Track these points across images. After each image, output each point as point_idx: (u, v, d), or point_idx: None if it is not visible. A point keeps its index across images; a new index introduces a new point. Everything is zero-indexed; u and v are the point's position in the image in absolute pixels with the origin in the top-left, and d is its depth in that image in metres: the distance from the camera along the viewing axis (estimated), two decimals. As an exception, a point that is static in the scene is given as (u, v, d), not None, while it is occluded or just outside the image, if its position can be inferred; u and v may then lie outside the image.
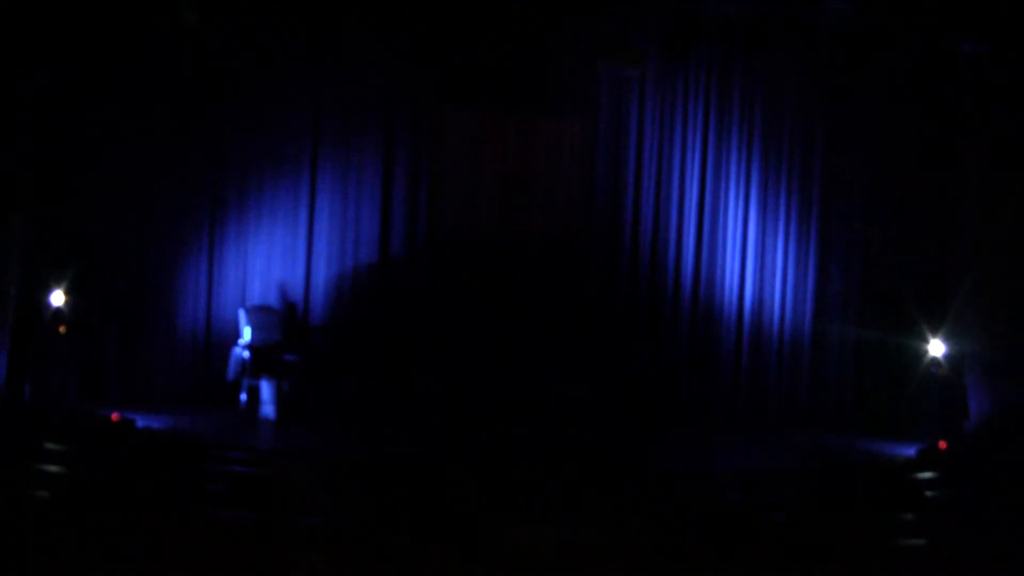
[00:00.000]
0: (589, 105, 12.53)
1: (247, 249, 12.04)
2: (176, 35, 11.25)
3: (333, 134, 12.15)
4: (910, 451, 11.10)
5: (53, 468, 7.74)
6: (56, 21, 10.71)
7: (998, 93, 11.94)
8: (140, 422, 10.06)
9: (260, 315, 11.63)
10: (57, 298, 10.76)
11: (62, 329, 10.71)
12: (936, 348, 12.14)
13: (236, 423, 10.85)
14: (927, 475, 9.80)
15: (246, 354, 11.35)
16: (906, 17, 11.44)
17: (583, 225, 12.58)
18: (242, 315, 11.60)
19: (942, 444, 11.12)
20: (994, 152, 12.09)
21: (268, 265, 12.10)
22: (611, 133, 12.57)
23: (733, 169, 12.67)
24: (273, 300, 12.02)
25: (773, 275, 12.70)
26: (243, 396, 11.27)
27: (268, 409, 10.93)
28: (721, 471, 10.00)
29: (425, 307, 12.19)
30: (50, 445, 8.44)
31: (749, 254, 12.66)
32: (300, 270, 12.15)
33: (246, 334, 11.42)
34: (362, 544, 6.01)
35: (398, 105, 12.23)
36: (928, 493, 9.12)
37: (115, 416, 10.02)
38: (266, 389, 10.97)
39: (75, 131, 11.25)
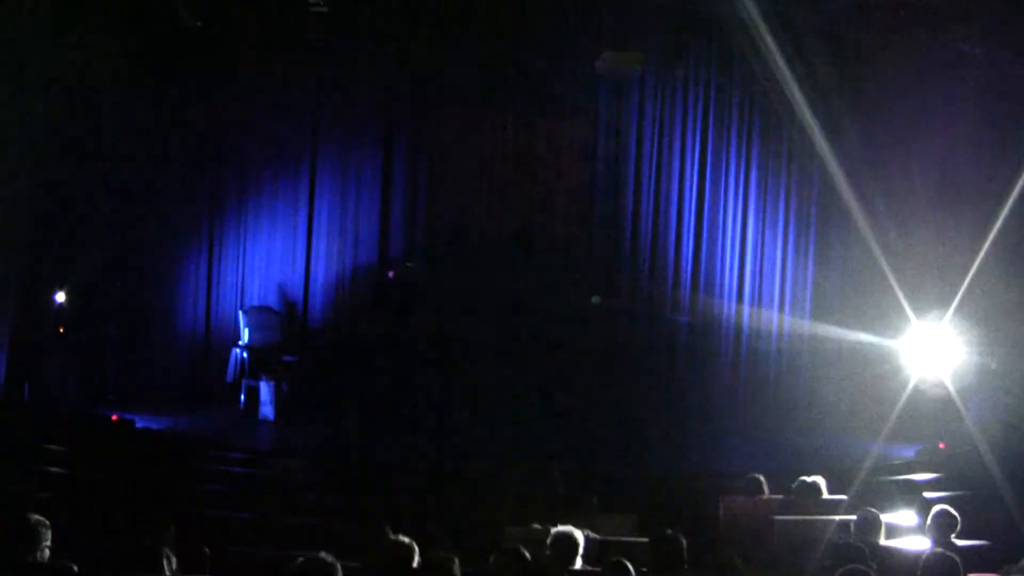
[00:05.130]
0: (589, 105, 12.55)
1: (247, 249, 12.05)
2: (177, 35, 11.25)
3: (333, 134, 12.15)
4: (909, 452, 11.11)
5: (53, 468, 7.73)
6: (55, 21, 10.71)
7: (997, 93, 11.95)
8: (139, 422, 10.06)
9: (259, 316, 11.63)
10: (57, 298, 10.75)
11: (61, 329, 10.70)
12: (935, 349, 12.14)
13: (235, 423, 10.85)
14: (926, 476, 9.80)
15: (245, 355, 11.35)
16: (906, 17, 11.45)
17: (583, 226, 12.59)
18: (241, 316, 11.60)
19: (941, 445, 11.13)
20: (994, 153, 12.10)
21: (267, 266, 12.11)
22: (611, 133, 12.58)
23: (732, 169, 12.68)
24: (272, 301, 12.02)
25: (772, 276, 12.72)
26: (242, 397, 11.26)
27: (267, 410, 10.93)
28: (721, 473, 10.00)
29: (424, 307, 12.19)
30: (50, 445, 8.43)
31: (748, 254, 12.68)
32: (299, 271, 12.15)
33: (245, 335, 11.42)
34: (362, 545, 6.00)
35: (398, 105, 12.24)
36: (927, 494, 9.12)
37: (114, 416, 10.02)
38: (265, 390, 10.96)
39: (75, 130, 11.24)
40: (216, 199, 11.96)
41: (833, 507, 7.39)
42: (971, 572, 5.40)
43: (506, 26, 11.82)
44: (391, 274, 12.13)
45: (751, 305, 12.69)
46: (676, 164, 12.65)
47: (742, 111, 12.70)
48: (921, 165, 12.79)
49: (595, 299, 12.28)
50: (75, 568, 4.39)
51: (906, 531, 6.68)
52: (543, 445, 10.72)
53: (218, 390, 11.58)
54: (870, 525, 6.16)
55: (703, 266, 12.66)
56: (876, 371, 12.74)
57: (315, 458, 9.31)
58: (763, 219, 12.75)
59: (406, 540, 4.60)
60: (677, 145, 12.66)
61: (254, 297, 12.04)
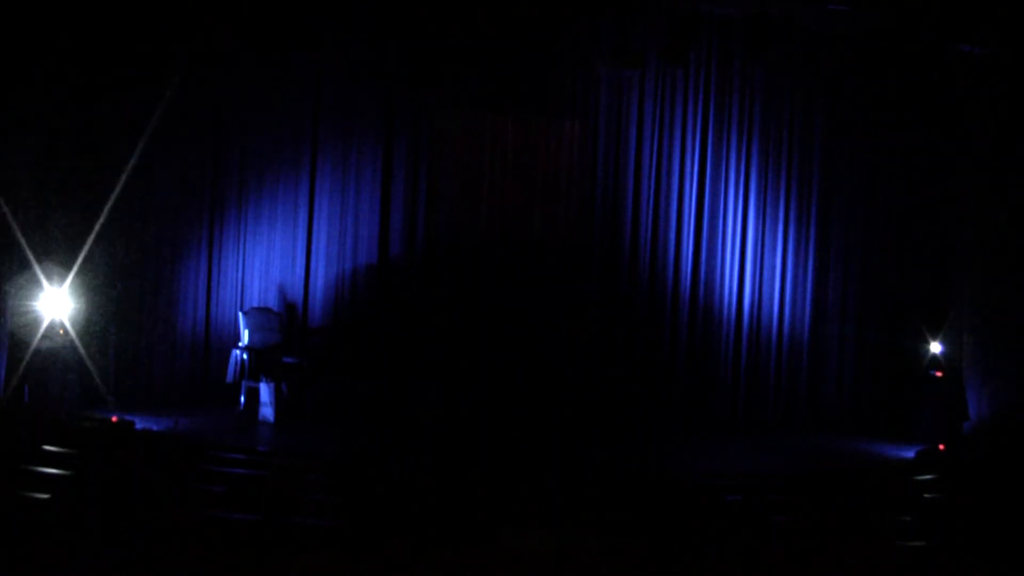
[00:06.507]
0: (589, 105, 12.53)
1: (246, 250, 12.04)
2: (176, 35, 11.25)
3: (333, 134, 12.14)
4: (909, 453, 11.11)
5: (53, 470, 7.73)
6: (55, 21, 10.71)
7: (997, 93, 11.95)
8: (139, 423, 10.06)
9: (259, 317, 11.63)
10: (57, 299, 10.73)
11: (61, 331, 10.69)
12: (935, 350, 12.16)
13: (235, 425, 10.84)
14: (926, 477, 9.81)
15: (245, 356, 11.34)
16: (906, 17, 11.45)
17: (583, 226, 12.58)
18: (241, 317, 11.60)
19: (941, 446, 11.14)
20: (993, 152, 12.11)
21: (267, 266, 12.10)
22: (611, 133, 12.57)
23: (732, 169, 12.67)
24: (272, 302, 12.01)
25: (772, 276, 12.71)
26: (242, 398, 11.26)
27: (267, 411, 10.93)
28: (721, 473, 10.00)
29: (424, 308, 12.19)
30: (50, 447, 8.43)
31: (748, 255, 12.67)
32: (299, 272, 12.14)
33: (245, 336, 11.42)
34: (362, 545, 6.00)
35: (398, 105, 12.23)
36: (927, 495, 9.13)
37: (114, 418, 10.01)
38: (265, 391, 10.96)
39: (75, 131, 11.24)
40: (216, 199, 11.95)
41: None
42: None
43: (506, 26, 11.80)
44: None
45: (751, 304, 12.68)
46: (676, 164, 12.64)
47: (742, 111, 12.69)
48: (923, 163, 12.83)
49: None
50: None
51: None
52: (541, 445, 10.72)
53: (218, 391, 11.57)
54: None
55: (703, 266, 12.65)
56: (876, 368, 12.77)
57: (316, 460, 9.31)
58: (763, 219, 12.74)
59: None
60: (677, 145, 12.65)
61: (254, 298, 12.03)
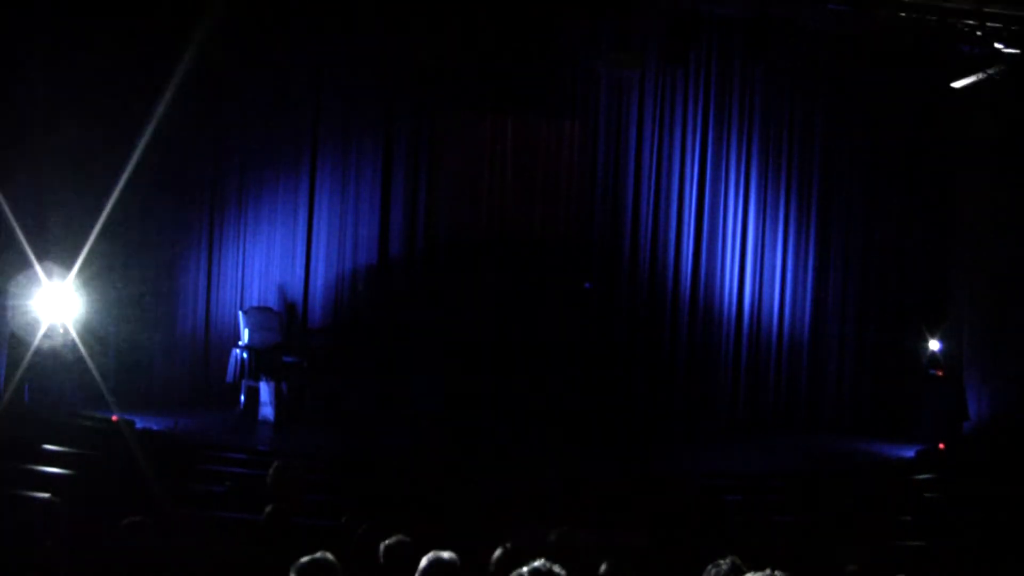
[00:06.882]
0: (589, 106, 12.55)
1: (246, 250, 12.04)
2: (178, 34, 11.24)
3: (333, 135, 12.15)
4: (909, 452, 11.12)
5: (53, 470, 7.72)
6: (54, 17, 10.70)
7: (997, 93, 11.95)
8: (139, 423, 10.05)
9: (259, 316, 11.62)
10: (57, 299, 10.73)
11: (62, 331, 10.68)
12: (935, 350, 12.16)
13: (235, 425, 10.84)
14: (926, 477, 9.82)
15: (245, 355, 11.34)
16: (906, 17, 11.44)
17: (583, 226, 12.58)
18: (241, 316, 11.60)
19: (941, 446, 11.14)
20: (993, 153, 12.11)
21: (267, 266, 12.10)
22: (611, 133, 12.58)
23: (732, 169, 12.68)
24: (272, 301, 12.01)
25: (772, 276, 12.72)
26: (242, 398, 11.25)
27: (267, 410, 10.92)
28: (721, 472, 10.01)
29: (424, 308, 12.19)
30: (50, 447, 8.42)
31: (748, 255, 12.68)
32: (299, 271, 12.14)
33: (245, 335, 11.41)
34: (362, 545, 5.99)
35: (398, 106, 12.23)
36: (927, 495, 9.14)
37: (114, 418, 10.00)
38: (265, 390, 10.95)
39: (75, 130, 11.22)
40: (216, 199, 11.95)
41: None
42: None
43: (507, 26, 11.79)
44: (588, 285, 12.19)
45: (751, 304, 12.69)
46: (676, 164, 12.64)
47: (742, 111, 12.69)
48: (923, 163, 12.83)
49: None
50: None
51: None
52: (542, 445, 10.72)
53: (218, 391, 11.57)
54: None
55: (703, 266, 12.65)
56: (876, 369, 12.78)
57: (316, 459, 9.31)
58: (763, 219, 12.74)
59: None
60: (677, 145, 12.65)
61: (254, 297, 12.03)
